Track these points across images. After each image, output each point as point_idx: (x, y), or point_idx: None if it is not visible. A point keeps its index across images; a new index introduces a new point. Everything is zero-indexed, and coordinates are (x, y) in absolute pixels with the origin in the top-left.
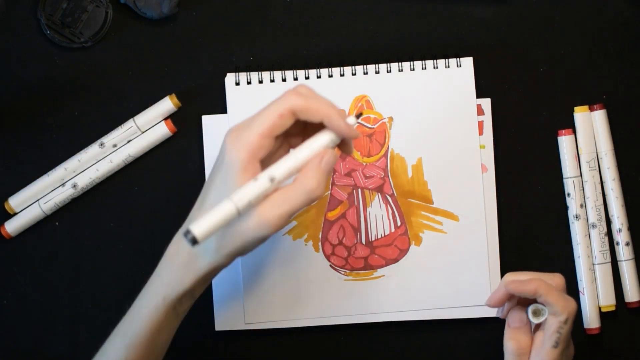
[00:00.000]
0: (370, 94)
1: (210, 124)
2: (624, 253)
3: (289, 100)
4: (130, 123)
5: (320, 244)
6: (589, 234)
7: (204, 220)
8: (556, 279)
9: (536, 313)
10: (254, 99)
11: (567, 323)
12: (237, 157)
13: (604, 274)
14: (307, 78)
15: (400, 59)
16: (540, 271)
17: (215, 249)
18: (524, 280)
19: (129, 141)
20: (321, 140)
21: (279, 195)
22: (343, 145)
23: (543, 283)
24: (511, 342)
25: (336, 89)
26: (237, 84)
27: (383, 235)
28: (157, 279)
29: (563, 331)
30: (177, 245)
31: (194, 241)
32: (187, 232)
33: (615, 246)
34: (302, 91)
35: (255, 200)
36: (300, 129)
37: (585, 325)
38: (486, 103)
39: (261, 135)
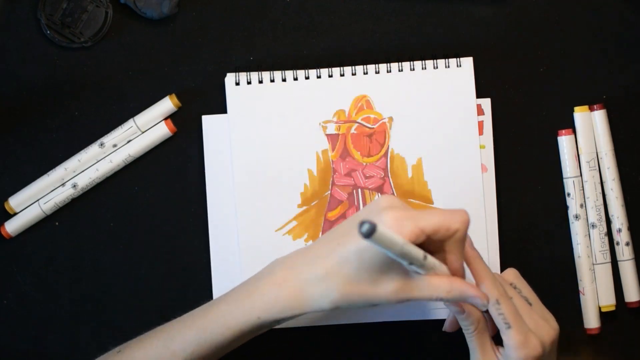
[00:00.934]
0: (370, 94)
1: (210, 124)
2: (624, 253)
3: (462, 223)
4: (130, 123)
5: None
6: (589, 234)
7: (388, 231)
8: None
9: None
10: (254, 99)
11: (500, 303)
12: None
13: (604, 274)
14: (307, 78)
15: (400, 59)
16: (540, 272)
17: (332, 299)
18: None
19: (129, 141)
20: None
21: (418, 283)
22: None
23: (463, 287)
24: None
25: (336, 89)
26: (237, 84)
27: None
28: (259, 297)
29: (503, 310)
30: (288, 273)
31: (369, 234)
32: (372, 225)
33: (615, 246)
34: (466, 241)
35: (422, 262)
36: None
37: (585, 325)
38: (486, 103)
39: (423, 231)
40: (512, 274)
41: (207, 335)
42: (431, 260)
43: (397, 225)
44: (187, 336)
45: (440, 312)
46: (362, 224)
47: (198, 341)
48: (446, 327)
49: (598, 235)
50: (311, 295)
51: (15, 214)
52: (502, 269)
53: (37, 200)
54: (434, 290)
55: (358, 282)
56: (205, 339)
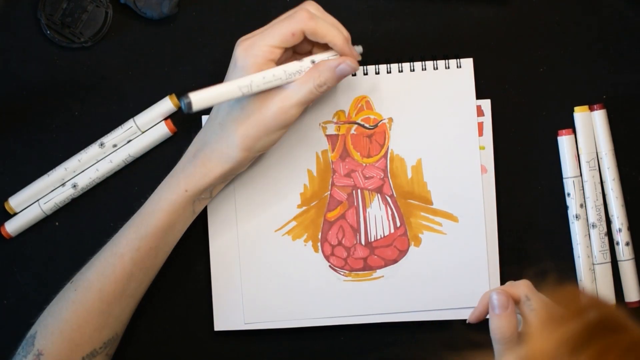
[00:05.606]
0: (371, 94)
1: None
2: (624, 253)
3: (301, 21)
4: (130, 123)
5: (319, 244)
6: (589, 234)
7: (203, 91)
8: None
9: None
10: None
11: (530, 298)
12: (249, 62)
13: (604, 274)
14: None
15: (400, 60)
16: (540, 272)
17: (238, 145)
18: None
19: (129, 141)
20: (324, 57)
21: (293, 87)
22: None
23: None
24: (496, 330)
25: (336, 90)
26: None
27: (382, 236)
28: (180, 172)
29: (533, 305)
30: (197, 143)
31: (189, 107)
32: (185, 97)
33: (615, 246)
34: (312, 10)
35: (258, 82)
36: (310, 43)
37: None
38: (486, 104)
39: (272, 46)
40: (525, 286)
41: (145, 225)
42: (289, 69)
43: (249, 55)
44: (129, 235)
45: (440, 313)
46: (182, 98)
47: (139, 234)
48: (471, 318)
49: (598, 235)
50: (220, 150)
51: (15, 214)
52: (502, 269)
53: (37, 200)
54: (308, 83)
55: (247, 117)
56: (144, 229)
